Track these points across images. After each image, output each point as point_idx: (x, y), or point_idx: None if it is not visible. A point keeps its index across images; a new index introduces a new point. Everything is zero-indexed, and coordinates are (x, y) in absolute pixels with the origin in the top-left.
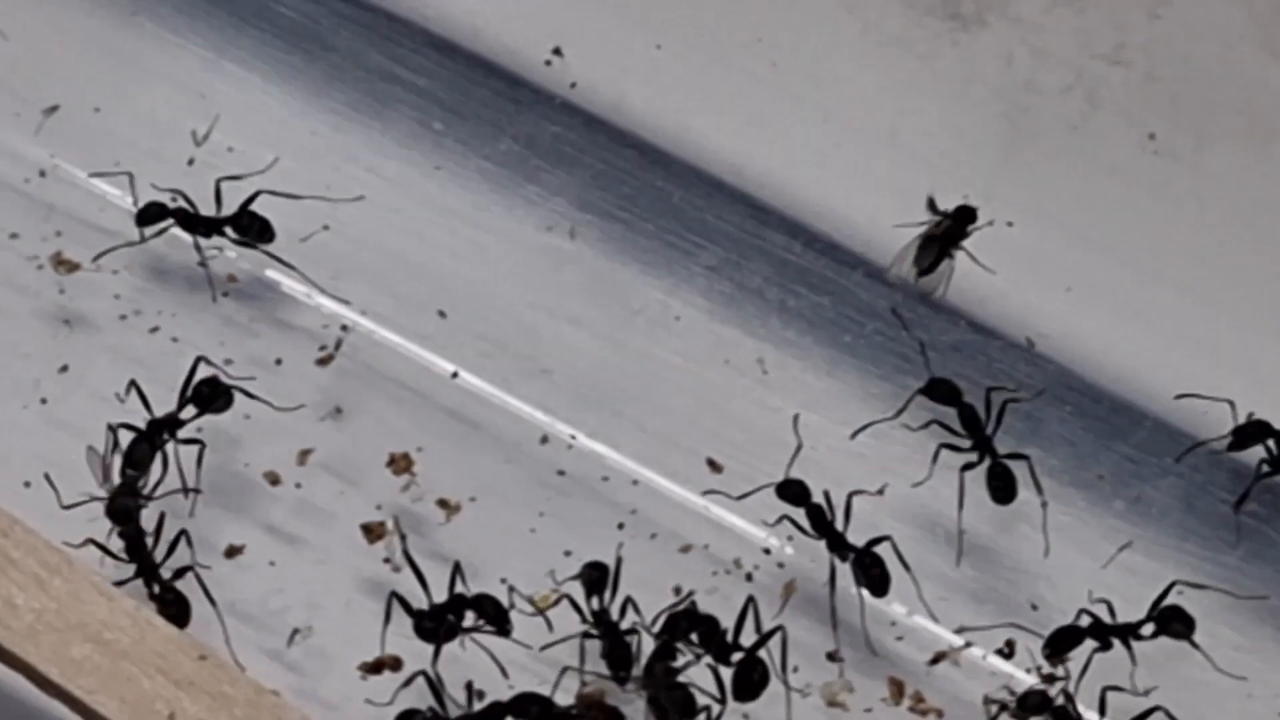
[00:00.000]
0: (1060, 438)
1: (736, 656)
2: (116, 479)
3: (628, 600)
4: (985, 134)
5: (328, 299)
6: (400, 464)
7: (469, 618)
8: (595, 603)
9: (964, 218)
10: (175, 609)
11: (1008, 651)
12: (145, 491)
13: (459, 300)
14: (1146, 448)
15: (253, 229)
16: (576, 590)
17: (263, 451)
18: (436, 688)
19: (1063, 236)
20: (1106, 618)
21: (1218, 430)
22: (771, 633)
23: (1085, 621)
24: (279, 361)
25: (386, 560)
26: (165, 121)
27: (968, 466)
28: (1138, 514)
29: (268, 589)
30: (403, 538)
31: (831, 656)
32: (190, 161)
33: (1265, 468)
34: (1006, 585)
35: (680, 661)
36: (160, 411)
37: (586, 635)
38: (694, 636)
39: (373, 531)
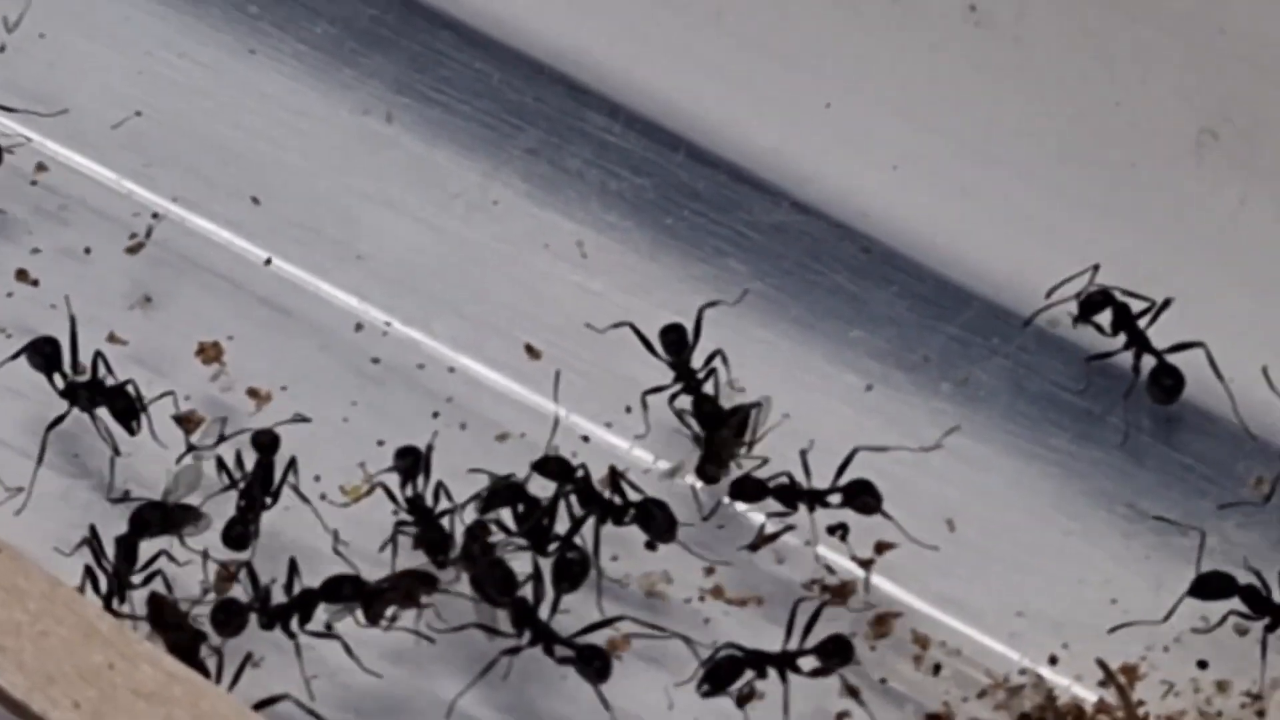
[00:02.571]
0: (885, 319)
1: (554, 547)
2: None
3: (440, 485)
4: (805, 8)
5: (138, 186)
6: (210, 353)
7: None
8: (409, 489)
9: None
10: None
11: (842, 534)
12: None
13: (273, 186)
14: (974, 328)
15: None
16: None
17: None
18: (255, 576)
19: (887, 113)
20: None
21: (1047, 311)
22: (583, 519)
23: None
24: (88, 250)
25: (192, 448)
26: None
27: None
28: (965, 396)
29: (72, 483)
30: (222, 438)
31: (650, 546)
32: (1, 48)
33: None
34: (829, 470)
35: (496, 538)
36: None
37: (400, 525)
38: (514, 517)
39: (190, 421)
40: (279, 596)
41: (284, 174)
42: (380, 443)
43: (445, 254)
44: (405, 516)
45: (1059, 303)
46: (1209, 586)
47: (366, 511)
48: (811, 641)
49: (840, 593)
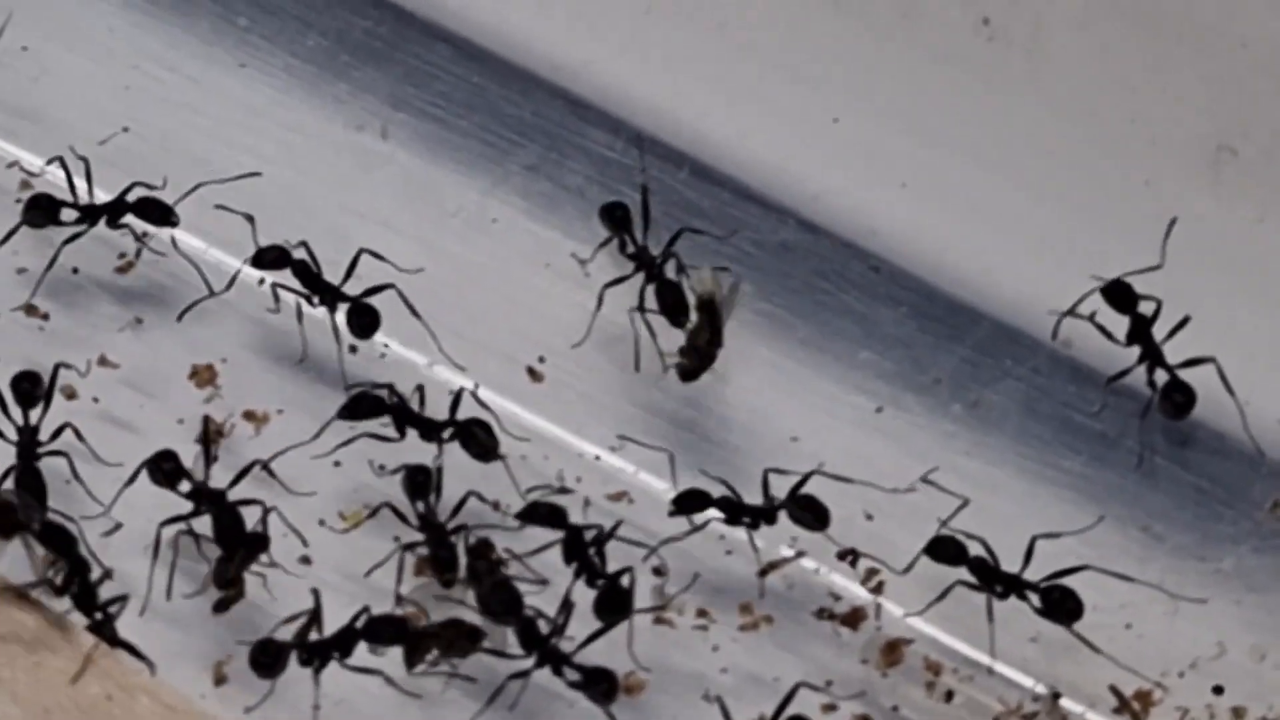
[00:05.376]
0: (895, 339)
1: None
2: None
3: (469, 494)
4: (812, 21)
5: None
6: (203, 375)
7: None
8: (420, 506)
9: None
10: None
11: (853, 560)
12: None
13: (266, 204)
14: (985, 349)
15: None
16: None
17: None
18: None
19: (896, 129)
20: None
21: (1061, 332)
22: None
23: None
24: (76, 270)
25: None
26: None
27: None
28: (976, 419)
29: (63, 508)
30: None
31: (658, 571)
32: None
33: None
34: (838, 494)
35: (501, 554)
36: None
37: (406, 548)
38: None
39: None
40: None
41: (276, 191)
42: (381, 467)
43: (443, 274)
44: (414, 537)
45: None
46: (941, 550)
47: (365, 536)
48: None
49: (851, 619)
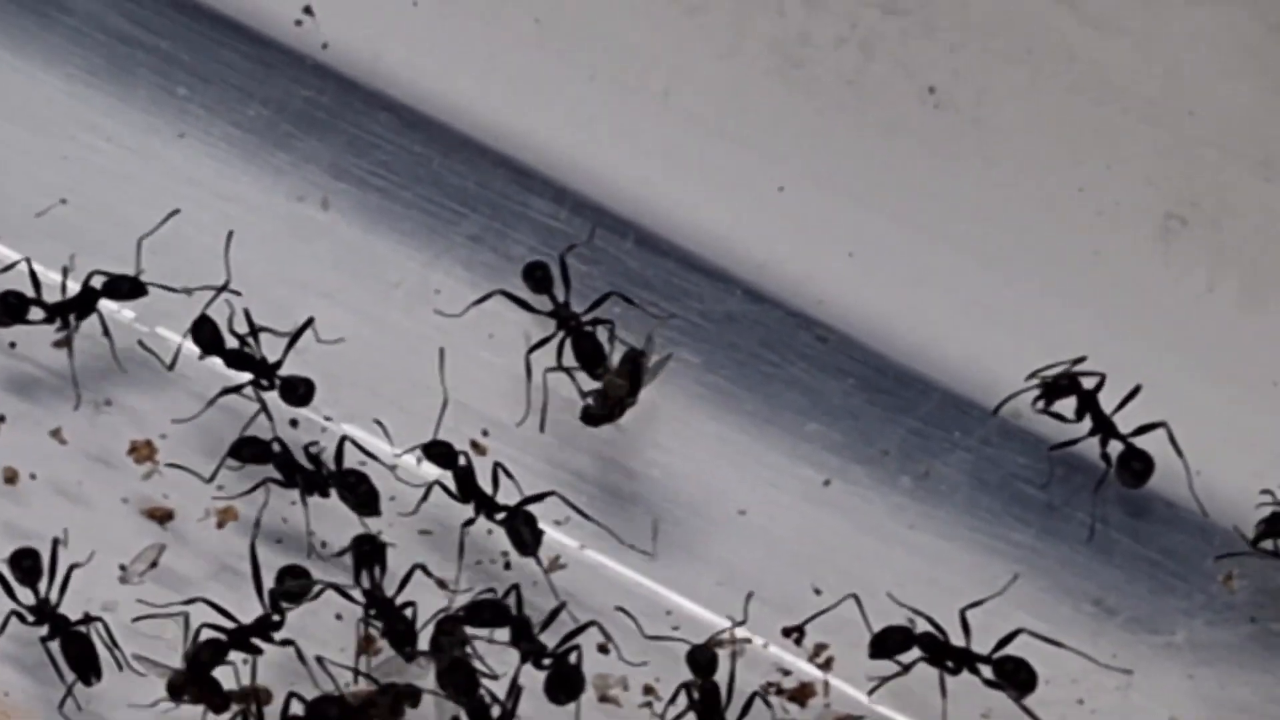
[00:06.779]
0: (843, 411)
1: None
2: None
3: (416, 567)
4: (759, 91)
5: (66, 278)
6: (142, 452)
7: None
8: (365, 580)
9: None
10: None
11: (798, 637)
12: None
13: (205, 276)
14: (934, 421)
15: None
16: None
17: None
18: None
19: (842, 198)
20: None
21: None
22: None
23: None
24: (13, 345)
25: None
26: None
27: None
28: (926, 490)
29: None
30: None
31: (603, 649)
32: None
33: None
34: (786, 568)
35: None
36: None
37: (365, 620)
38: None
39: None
40: None
41: (216, 263)
42: (324, 544)
43: (386, 346)
44: (365, 615)
45: (1026, 389)
46: (885, 645)
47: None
48: None
49: (799, 695)
